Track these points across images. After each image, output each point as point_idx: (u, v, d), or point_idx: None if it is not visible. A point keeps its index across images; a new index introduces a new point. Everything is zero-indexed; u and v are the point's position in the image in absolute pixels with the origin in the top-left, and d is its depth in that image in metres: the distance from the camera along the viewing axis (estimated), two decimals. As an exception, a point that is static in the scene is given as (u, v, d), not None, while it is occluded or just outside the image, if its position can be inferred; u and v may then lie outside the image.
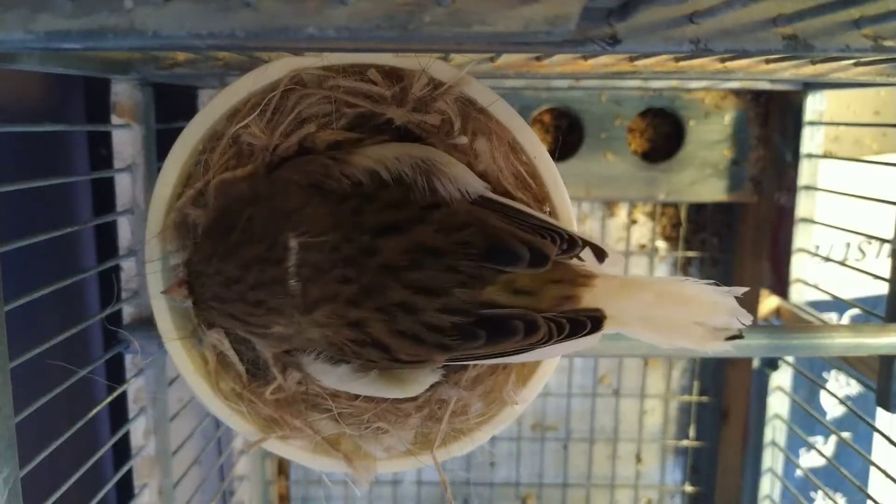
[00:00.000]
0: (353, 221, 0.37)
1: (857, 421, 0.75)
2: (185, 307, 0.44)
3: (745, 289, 0.37)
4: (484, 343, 0.37)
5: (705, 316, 0.37)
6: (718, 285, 0.37)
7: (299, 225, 0.36)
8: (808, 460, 0.83)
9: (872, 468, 0.62)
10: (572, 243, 0.39)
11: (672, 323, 0.38)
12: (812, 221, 0.71)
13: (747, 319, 0.37)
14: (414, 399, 0.44)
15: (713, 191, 0.77)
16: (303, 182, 0.38)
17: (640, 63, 0.50)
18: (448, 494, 0.44)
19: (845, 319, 0.82)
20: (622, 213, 0.84)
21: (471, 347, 0.38)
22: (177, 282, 0.40)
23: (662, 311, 0.38)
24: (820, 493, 0.81)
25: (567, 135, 0.78)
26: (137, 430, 0.57)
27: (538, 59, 0.51)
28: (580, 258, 0.40)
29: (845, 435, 0.79)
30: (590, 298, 0.38)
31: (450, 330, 0.37)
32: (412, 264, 0.37)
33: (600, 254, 0.40)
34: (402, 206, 0.38)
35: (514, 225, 0.38)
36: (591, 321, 0.38)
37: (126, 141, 0.56)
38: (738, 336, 0.37)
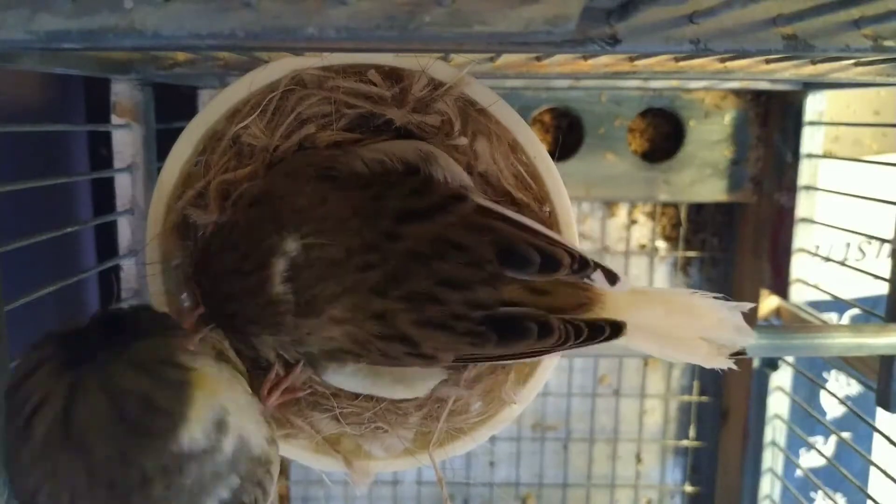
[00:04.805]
0: (374, 207, 0.37)
1: (857, 421, 0.75)
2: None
3: (752, 304, 0.38)
4: (496, 344, 0.37)
5: (711, 332, 0.37)
6: (727, 299, 0.37)
7: (303, 223, 0.36)
8: (808, 460, 0.83)
9: (872, 468, 0.62)
10: (584, 264, 0.38)
11: (678, 337, 0.38)
12: (812, 221, 0.71)
13: (751, 338, 0.37)
14: (414, 398, 0.44)
15: (713, 191, 0.77)
16: (312, 173, 0.38)
17: (640, 63, 0.50)
18: (444, 493, 0.44)
19: (845, 319, 0.82)
20: (622, 213, 0.84)
21: (484, 349, 0.38)
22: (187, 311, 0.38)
23: (669, 325, 0.38)
24: (820, 493, 0.81)
25: (567, 135, 0.78)
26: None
27: (538, 59, 0.51)
28: (590, 279, 0.38)
29: (845, 435, 0.78)
30: (600, 307, 0.38)
31: (478, 321, 0.37)
32: (438, 254, 0.37)
33: (612, 276, 0.39)
34: (423, 193, 0.38)
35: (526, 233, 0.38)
36: (611, 327, 0.37)
37: (126, 141, 0.56)
38: (742, 353, 0.37)
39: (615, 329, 0.37)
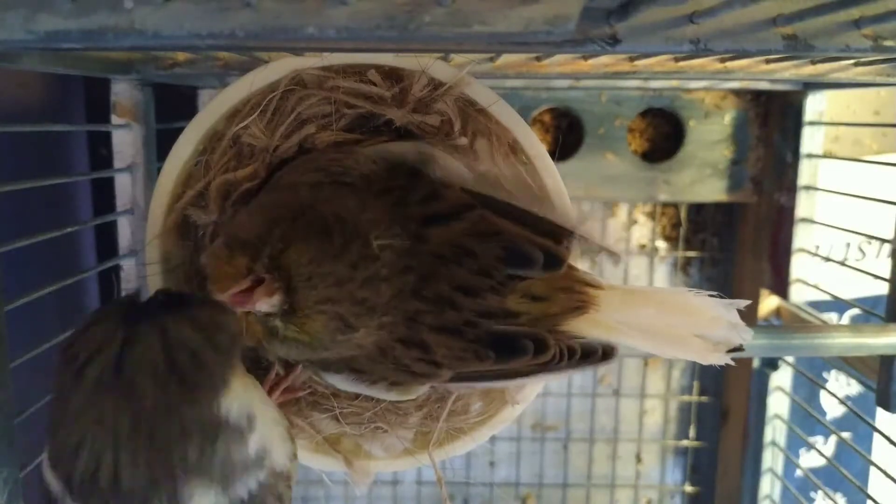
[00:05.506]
0: (400, 212, 0.37)
1: (857, 421, 0.75)
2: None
3: (747, 302, 0.38)
4: (494, 361, 0.38)
5: (705, 329, 0.37)
6: (721, 297, 0.38)
7: (374, 225, 0.36)
8: (808, 460, 0.83)
9: (872, 468, 0.62)
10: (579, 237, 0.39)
11: (672, 335, 0.38)
12: (812, 221, 0.71)
13: (748, 336, 0.37)
14: (414, 399, 0.44)
15: (713, 191, 0.77)
16: (325, 179, 0.38)
17: (640, 63, 0.50)
18: (444, 493, 0.44)
19: (845, 319, 0.82)
20: (622, 213, 0.84)
21: (483, 364, 0.38)
22: (266, 290, 0.33)
23: (663, 324, 0.38)
24: (820, 493, 0.81)
25: (567, 135, 0.78)
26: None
27: (538, 59, 0.51)
28: (587, 237, 0.40)
29: (845, 435, 0.79)
30: (595, 309, 0.38)
31: (484, 329, 0.38)
32: (454, 259, 0.37)
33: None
34: (433, 200, 0.38)
35: (528, 230, 0.38)
36: (603, 350, 0.38)
37: (126, 141, 0.56)
38: (739, 349, 0.37)
39: (607, 352, 0.38)
